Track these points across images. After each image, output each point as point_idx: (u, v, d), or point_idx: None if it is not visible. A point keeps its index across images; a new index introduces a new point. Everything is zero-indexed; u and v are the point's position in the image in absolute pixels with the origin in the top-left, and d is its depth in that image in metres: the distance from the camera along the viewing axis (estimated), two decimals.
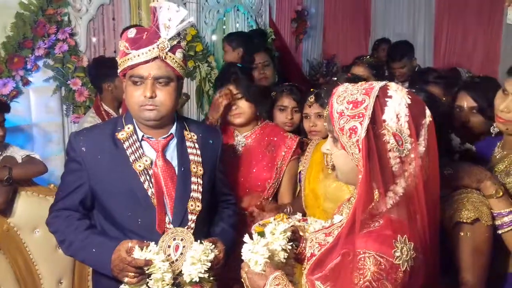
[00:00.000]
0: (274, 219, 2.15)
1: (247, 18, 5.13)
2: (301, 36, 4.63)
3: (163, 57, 1.69)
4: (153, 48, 1.67)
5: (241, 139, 2.44)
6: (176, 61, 1.72)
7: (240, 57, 4.08)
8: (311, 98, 2.42)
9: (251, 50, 4.11)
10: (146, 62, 1.68)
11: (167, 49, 1.69)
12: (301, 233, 1.67)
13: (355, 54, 5.44)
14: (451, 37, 5.88)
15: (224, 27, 4.86)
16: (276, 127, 2.53)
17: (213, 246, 1.73)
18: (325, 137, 2.36)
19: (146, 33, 1.69)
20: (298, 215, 2.18)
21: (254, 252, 1.39)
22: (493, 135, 2.13)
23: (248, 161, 2.41)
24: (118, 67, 1.76)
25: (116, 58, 1.78)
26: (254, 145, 2.43)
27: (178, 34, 1.72)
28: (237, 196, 2.25)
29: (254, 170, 2.39)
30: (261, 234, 1.76)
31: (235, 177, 2.33)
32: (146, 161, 1.76)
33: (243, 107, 2.39)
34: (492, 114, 2.30)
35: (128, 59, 1.69)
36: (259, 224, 2.17)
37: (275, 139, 2.44)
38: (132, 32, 1.71)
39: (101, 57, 3.34)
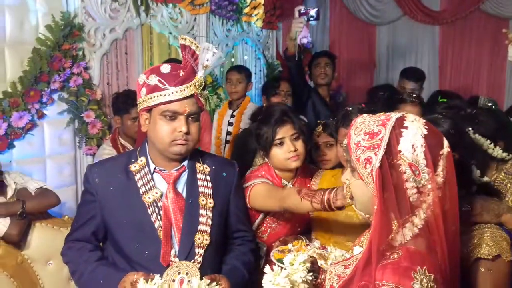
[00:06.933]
0: (293, 246, 2.14)
1: (255, 50, 5.24)
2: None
3: (199, 94, 1.73)
4: (191, 86, 1.70)
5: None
6: (205, 97, 1.76)
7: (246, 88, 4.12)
8: (319, 128, 2.44)
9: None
10: (183, 98, 1.70)
11: (202, 86, 1.73)
12: (321, 262, 1.65)
13: (361, 85, 5.49)
14: (456, 69, 5.91)
15: (233, 59, 4.95)
16: (306, 165, 2.35)
17: (214, 283, 1.65)
18: (333, 168, 2.38)
19: (182, 70, 1.72)
20: (317, 243, 2.15)
21: (275, 284, 1.38)
22: None
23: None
24: (143, 102, 1.74)
25: (140, 93, 1.76)
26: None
27: None
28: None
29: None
30: (280, 261, 1.74)
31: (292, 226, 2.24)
32: (156, 193, 1.76)
33: (301, 149, 2.15)
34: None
35: (162, 94, 1.69)
36: (278, 251, 2.15)
37: (308, 173, 2.33)
38: (166, 68, 1.72)
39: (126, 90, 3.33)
